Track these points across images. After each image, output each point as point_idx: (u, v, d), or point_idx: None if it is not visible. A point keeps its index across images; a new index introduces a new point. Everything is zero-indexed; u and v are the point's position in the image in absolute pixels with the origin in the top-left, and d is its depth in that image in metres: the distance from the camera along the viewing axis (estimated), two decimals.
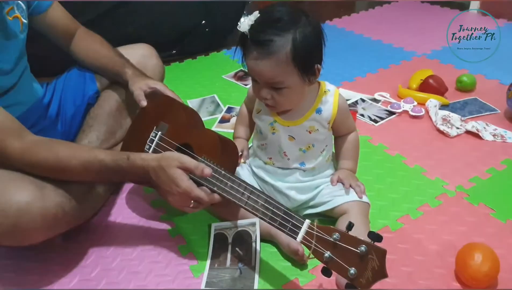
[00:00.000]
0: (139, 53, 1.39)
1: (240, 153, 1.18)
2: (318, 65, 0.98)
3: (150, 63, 1.40)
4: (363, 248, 0.78)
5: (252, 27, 0.94)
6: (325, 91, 1.07)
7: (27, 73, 1.22)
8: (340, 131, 1.14)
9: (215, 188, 0.98)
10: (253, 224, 1.10)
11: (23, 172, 0.98)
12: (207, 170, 0.95)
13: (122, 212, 1.26)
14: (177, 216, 1.22)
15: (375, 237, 0.78)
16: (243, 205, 0.95)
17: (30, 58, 1.24)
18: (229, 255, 1.07)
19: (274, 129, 1.10)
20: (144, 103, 1.18)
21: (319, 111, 1.06)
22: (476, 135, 1.51)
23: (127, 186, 1.36)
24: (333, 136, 1.16)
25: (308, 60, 0.95)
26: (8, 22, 1.09)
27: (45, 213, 0.95)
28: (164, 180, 0.96)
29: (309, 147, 1.10)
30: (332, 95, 1.07)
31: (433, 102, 1.65)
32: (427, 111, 1.65)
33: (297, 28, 0.93)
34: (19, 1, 1.13)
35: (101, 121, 1.32)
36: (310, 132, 1.08)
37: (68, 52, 1.34)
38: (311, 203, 1.14)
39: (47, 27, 1.26)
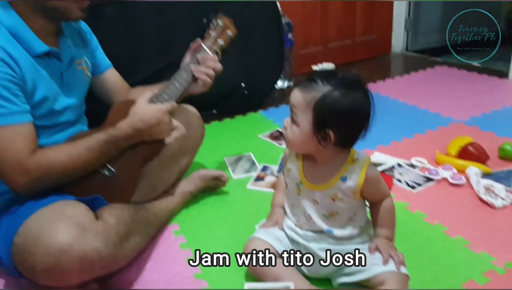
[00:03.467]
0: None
1: (276, 224, 1.19)
2: (331, 132, 0.99)
3: (192, 122, 1.51)
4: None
5: (320, 70, 1.05)
6: (353, 160, 1.06)
7: (84, 118, 1.39)
8: (371, 199, 1.12)
9: None
10: (287, 287, 1.07)
11: (68, 214, 1.03)
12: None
13: (155, 263, 1.26)
14: (210, 269, 1.22)
15: None
16: None
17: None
18: None
19: (299, 190, 1.11)
20: None
21: (344, 179, 1.05)
22: None
23: (162, 240, 1.37)
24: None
25: (321, 118, 0.98)
26: (77, 69, 1.29)
27: (83, 257, 0.99)
28: (150, 116, 1.23)
29: (332, 214, 1.08)
30: (361, 165, 1.05)
31: (473, 170, 1.59)
32: (467, 179, 1.59)
33: (337, 89, 0.97)
34: (86, 58, 1.33)
35: None
36: (333, 200, 1.07)
37: None
38: (347, 270, 1.10)
39: (101, 87, 1.45)
